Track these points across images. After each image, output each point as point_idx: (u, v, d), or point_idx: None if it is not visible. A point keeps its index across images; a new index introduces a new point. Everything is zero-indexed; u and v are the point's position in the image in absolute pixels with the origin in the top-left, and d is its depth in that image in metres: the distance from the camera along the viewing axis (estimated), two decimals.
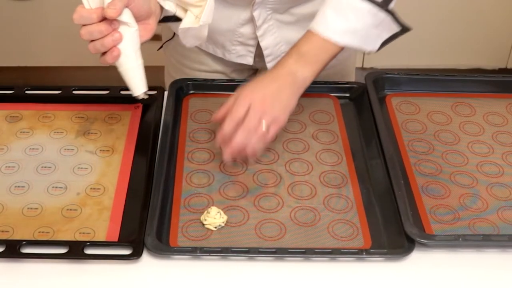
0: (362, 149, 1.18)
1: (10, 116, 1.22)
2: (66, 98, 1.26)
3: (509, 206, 1.07)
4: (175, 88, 1.26)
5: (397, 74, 1.32)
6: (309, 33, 1.15)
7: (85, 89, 1.28)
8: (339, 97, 1.30)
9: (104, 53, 1.01)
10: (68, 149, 1.16)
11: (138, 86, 1.05)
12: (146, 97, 1.07)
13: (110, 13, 0.97)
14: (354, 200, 1.08)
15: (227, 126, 1.08)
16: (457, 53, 2.91)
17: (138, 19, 1.03)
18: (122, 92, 1.26)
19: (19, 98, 1.26)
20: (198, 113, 1.24)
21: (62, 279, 0.94)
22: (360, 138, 1.21)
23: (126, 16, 1.00)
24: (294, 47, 1.15)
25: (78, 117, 1.23)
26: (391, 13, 1.17)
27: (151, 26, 1.06)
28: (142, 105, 1.25)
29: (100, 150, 1.15)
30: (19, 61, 2.84)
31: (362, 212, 1.06)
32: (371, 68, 2.94)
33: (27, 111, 1.24)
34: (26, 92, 1.27)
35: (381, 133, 1.16)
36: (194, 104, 1.26)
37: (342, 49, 1.16)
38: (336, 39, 1.14)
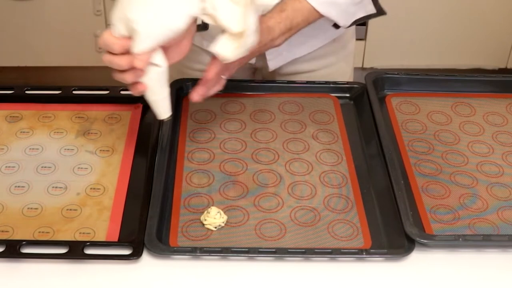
0: (362, 149, 1.18)
1: (10, 116, 1.22)
2: (66, 98, 1.26)
3: (509, 206, 1.07)
4: (175, 88, 1.26)
5: (397, 74, 1.32)
6: None
7: (85, 89, 1.28)
8: (339, 97, 1.30)
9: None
10: (68, 149, 1.16)
11: (162, 113, 1.06)
12: (169, 119, 1.08)
13: (137, 65, 0.97)
14: (354, 200, 1.08)
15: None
16: (457, 53, 2.91)
17: (171, 42, 1.01)
18: (122, 92, 1.26)
19: (19, 98, 1.26)
20: (198, 113, 1.24)
21: (62, 279, 0.94)
22: (360, 138, 1.21)
23: (156, 57, 1.00)
24: (278, 8, 1.14)
25: (78, 117, 1.23)
26: None
27: (185, 47, 1.05)
28: (142, 105, 1.25)
29: (100, 150, 1.15)
30: (19, 61, 2.84)
31: (362, 212, 1.06)
32: (371, 68, 2.94)
33: (27, 111, 1.24)
34: (26, 92, 1.27)
35: (381, 133, 1.16)
36: (194, 104, 1.26)
37: (314, 20, 1.18)
38: (320, 8, 1.16)
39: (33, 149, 1.15)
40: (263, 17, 1.12)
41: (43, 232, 1.00)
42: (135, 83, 1.01)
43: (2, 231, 1.00)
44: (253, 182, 1.10)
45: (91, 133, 1.19)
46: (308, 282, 0.95)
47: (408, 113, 1.27)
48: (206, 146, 1.17)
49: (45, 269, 0.95)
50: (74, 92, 1.27)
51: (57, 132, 1.19)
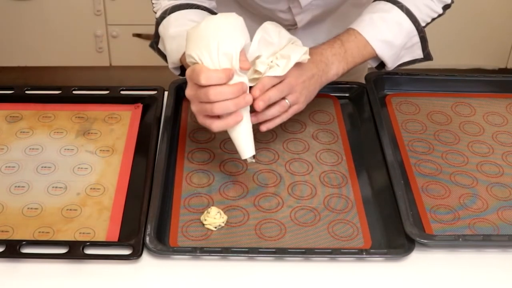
0: (362, 149, 1.18)
1: (10, 116, 1.22)
2: (66, 98, 1.26)
3: (509, 206, 1.07)
4: (175, 88, 1.26)
5: (397, 74, 1.32)
6: (354, 32, 1.16)
7: (85, 89, 1.28)
8: (339, 97, 1.30)
9: (217, 116, 1.00)
10: (68, 149, 1.16)
11: (247, 149, 1.04)
12: (253, 161, 1.06)
13: (244, 65, 0.97)
14: (354, 200, 1.08)
15: (263, 105, 1.04)
16: (457, 53, 2.91)
17: None
18: (122, 92, 1.26)
19: (19, 98, 1.26)
20: None
21: (62, 279, 0.94)
22: (360, 138, 1.21)
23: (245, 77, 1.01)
24: (337, 39, 1.16)
25: (78, 117, 1.23)
26: (424, 40, 1.19)
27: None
28: (142, 105, 1.25)
29: (100, 150, 1.15)
30: (19, 61, 2.84)
31: (362, 212, 1.06)
32: (371, 68, 2.94)
33: (27, 111, 1.23)
34: (26, 92, 1.27)
35: (381, 133, 1.16)
36: None
37: (370, 58, 1.19)
38: (376, 46, 1.16)
39: (33, 149, 1.15)
40: (316, 47, 1.13)
41: (43, 232, 1.00)
42: (231, 113, 1.00)
43: (2, 231, 1.00)
44: (253, 182, 1.10)
45: (91, 133, 1.19)
46: (308, 282, 0.95)
47: (408, 113, 1.26)
48: (206, 146, 1.17)
49: (45, 269, 0.95)
50: (74, 92, 1.27)
51: (57, 132, 1.19)
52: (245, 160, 1.05)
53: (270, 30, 1.05)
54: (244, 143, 1.04)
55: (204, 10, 1.19)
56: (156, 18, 1.19)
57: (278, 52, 1.05)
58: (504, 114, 1.27)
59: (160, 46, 1.22)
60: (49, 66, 2.83)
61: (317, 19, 1.30)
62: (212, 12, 1.20)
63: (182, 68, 1.19)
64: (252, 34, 1.04)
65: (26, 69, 2.86)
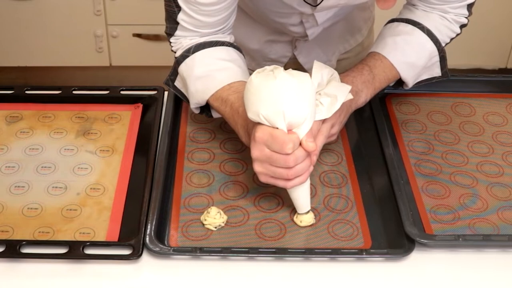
0: (362, 149, 1.18)
1: (10, 116, 1.22)
2: (66, 98, 1.26)
3: (509, 206, 1.07)
4: None
5: None
6: (379, 56, 1.17)
7: (85, 89, 1.28)
8: None
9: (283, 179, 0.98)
10: (68, 149, 1.16)
11: (304, 205, 1.02)
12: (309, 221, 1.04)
13: (311, 148, 0.96)
14: (354, 200, 1.08)
15: (316, 159, 1.03)
16: (457, 53, 2.91)
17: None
18: (122, 92, 1.26)
19: (19, 98, 1.26)
20: None
21: (62, 279, 0.94)
22: (360, 138, 1.21)
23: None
24: (365, 65, 1.16)
25: (78, 117, 1.23)
26: (443, 59, 1.20)
27: None
28: (142, 105, 1.25)
29: (100, 150, 1.15)
30: (19, 61, 2.84)
31: (362, 212, 1.06)
32: None
33: (27, 111, 1.24)
34: (26, 92, 1.27)
35: (381, 133, 1.16)
36: None
37: (394, 80, 1.19)
38: (401, 69, 1.17)
39: (33, 149, 1.15)
40: (346, 76, 1.13)
41: (43, 232, 1.00)
42: (304, 174, 0.99)
43: (2, 231, 1.00)
44: (253, 182, 1.10)
45: (91, 133, 1.19)
46: (308, 282, 0.95)
47: (408, 113, 1.26)
48: (206, 146, 1.17)
49: (45, 269, 0.95)
50: (74, 92, 1.27)
51: (57, 132, 1.19)
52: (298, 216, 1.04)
53: (324, 73, 1.03)
54: (304, 200, 1.02)
55: (229, 46, 1.14)
56: (176, 57, 1.14)
57: (322, 90, 1.03)
58: (504, 114, 1.27)
59: (177, 84, 1.17)
60: (49, 66, 2.83)
61: (327, 28, 1.30)
62: (235, 47, 1.16)
63: (202, 107, 1.15)
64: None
65: (26, 69, 2.86)
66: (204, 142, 1.18)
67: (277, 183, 0.99)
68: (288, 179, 0.97)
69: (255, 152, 0.97)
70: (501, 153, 1.18)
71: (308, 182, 1.01)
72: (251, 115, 0.96)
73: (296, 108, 0.94)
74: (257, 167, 0.98)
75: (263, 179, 0.99)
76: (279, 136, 0.94)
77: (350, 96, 1.06)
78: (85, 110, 1.24)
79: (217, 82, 1.09)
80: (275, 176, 0.98)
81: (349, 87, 1.05)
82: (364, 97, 1.15)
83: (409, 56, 1.17)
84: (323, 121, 1.04)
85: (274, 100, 0.93)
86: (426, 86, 1.31)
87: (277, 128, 0.95)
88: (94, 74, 2.82)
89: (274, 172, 0.97)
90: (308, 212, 1.03)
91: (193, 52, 1.12)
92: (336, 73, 1.06)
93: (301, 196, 1.02)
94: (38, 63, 2.84)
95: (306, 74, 0.96)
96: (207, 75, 1.10)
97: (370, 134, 1.19)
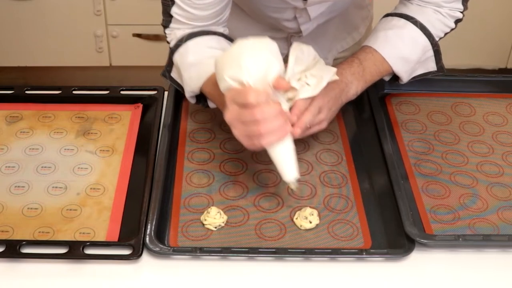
0: (362, 149, 1.18)
1: (10, 116, 1.22)
2: (66, 98, 1.26)
3: (509, 206, 1.07)
4: (175, 88, 1.26)
5: None
6: (370, 50, 1.17)
7: (85, 89, 1.28)
8: None
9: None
10: (68, 149, 1.16)
11: (288, 170, 1.01)
12: (297, 186, 1.03)
13: (281, 83, 0.97)
14: (354, 200, 1.08)
15: (300, 132, 1.04)
16: (457, 53, 2.91)
17: None
18: (122, 92, 1.26)
19: (19, 98, 1.26)
20: (198, 113, 1.24)
21: (62, 279, 0.94)
22: (360, 138, 1.21)
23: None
24: (354, 58, 1.16)
25: (78, 117, 1.23)
26: (438, 53, 1.20)
27: None
28: (142, 105, 1.25)
29: (100, 150, 1.15)
30: (19, 61, 2.84)
31: (362, 212, 1.06)
32: None
33: (27, 111, 1.24)
34: (26, 92, 1.27)
35: (381, 133, 1.16)
36: (194, 104, 1.26)
37: (386, 74, 1.19)
38: (393, 63, 1.17)
39: (33, 149, 1.15)
40: (336, 67, 1.12)
41: (43, 232, 1.00)
42: (276, 131, 0.98)
43: (2, 231, 1.00)
44: (253, 182, 1.10)
45: (91, 133, 1.19)
46: (308, 282, 0.95)
47: (408, 113, 1.26)
48: (206, 146, 1.17)
49: (45, 269, 0.95)
50: (74, 92, 1.27)
51: (57, 132, 1.19)
52: (288, 185, 1.03)
53: (304, 49, 1.04)
54: (287, 164, 1.01)
55: (220, 36, 1.16)
56: (171, 47, 1.16)
57: (308, 71, 1.04)
58: (504, 114, 1.27)
59: (173, 74, 1.18)
60: (49, 66, 2.83)
61: (322, 25, 1.30)
62: (228, 38, 1.17)
63: (198, 97, 1.16)
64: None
65: (26, 69, 2.86)
66: (204, 142, 1.18)
67: (254, 143, 0.99)
68: (261, 135, 0.97)
69: (227, 114, 0.98)
70: (501, 153, 1.18)
71: (290, 146, 1.01)
72: (221, 85, 0.98)
73: (255, 59, 0.96)
74: (234, 130, 0.99)
75: (244, 142, 0.99)
76: (239, 89, 0.96)
77: (336, 77, 1.07)
78: (85, 110, 1.24)
79: (209, 68, 1.09)
80: (250, 134, 0.98)
81: (334, 69, 1.06)
82: (355, 89, 1.14)
83: (401, 49, 1.17)
84: (311, 101, 1.05)
85: (234, 59, 0.96)
86: (426, 86, 1.32)
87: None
88: (94, 74, 2.82)
89: (246, 130, 0.97)
90: (296, 182, 1.02)
91: (186, 41, 1.13)
92: (321, 60, 1.07)
93: (283, 159, 1.01)
94: (38, 63, 2.84)
95: (267, 38, 0.99)
96: (200, 62, 1.11)
97: (370, 134, 1.19)
